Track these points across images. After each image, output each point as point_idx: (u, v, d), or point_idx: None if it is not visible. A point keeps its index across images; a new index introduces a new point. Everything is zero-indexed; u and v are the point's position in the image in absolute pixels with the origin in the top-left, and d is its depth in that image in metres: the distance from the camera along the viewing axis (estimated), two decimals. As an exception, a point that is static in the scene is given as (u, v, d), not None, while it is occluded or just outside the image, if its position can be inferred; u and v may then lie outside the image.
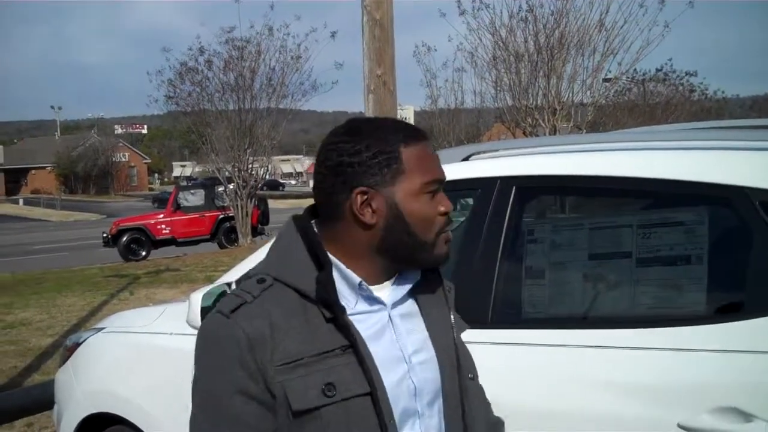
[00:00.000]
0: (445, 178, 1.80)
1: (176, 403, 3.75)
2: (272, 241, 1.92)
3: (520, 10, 18.07)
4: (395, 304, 1.82)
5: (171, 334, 3.91)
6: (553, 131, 17.89)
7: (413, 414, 1.77)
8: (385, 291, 1.82)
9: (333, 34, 23.74)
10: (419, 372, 1.79)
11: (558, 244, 3.03)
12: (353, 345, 1.66)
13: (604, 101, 21.24)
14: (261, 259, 1.84)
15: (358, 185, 1.73)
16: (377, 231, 1.75)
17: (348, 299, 1.74)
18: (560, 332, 2.73)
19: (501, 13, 18.26)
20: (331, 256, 1.75)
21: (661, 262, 2.72)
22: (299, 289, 1.70)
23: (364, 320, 1.74)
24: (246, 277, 1.78)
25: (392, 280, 1.84)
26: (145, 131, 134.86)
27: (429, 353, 1.83)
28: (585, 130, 18.82)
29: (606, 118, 27.27)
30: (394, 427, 1.68)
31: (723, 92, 40.41)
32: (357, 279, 1.75)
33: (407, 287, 1.84)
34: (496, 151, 3.32)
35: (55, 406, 4.66)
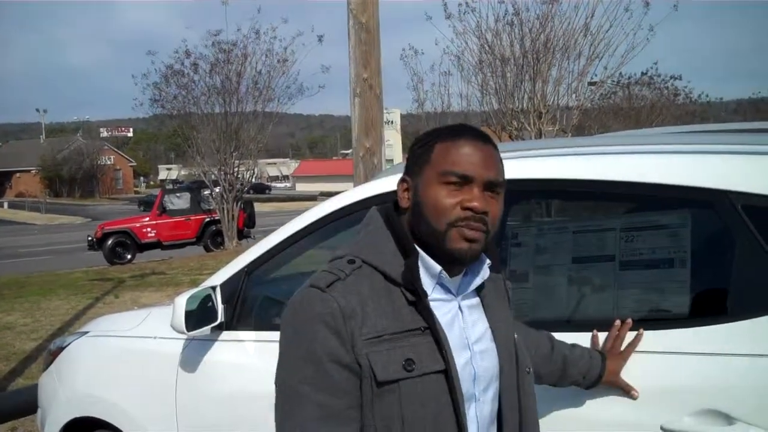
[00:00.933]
0: (477, 176, 1.89)
1: (160, 406, 3.76)
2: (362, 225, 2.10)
3: (506, 14, 18.07)
4: (464, 297, 2.02)
5: (155, 337, 3.91)
6: (539, 135, 17.91)
7: (471, 398, 1.95)
8: (455, 283, 2.01)
9: (320, 38, 23.76)
10: (479, 360, 1.97)
11: (542, 248, 3.04)
12: (431, 327, 1.87)
13: (589, 105, 21.29)
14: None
15: (404, 174, 2.03)
16: (409, 216, 1.99)
17: (427, 286, 1.93)
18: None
19: (487, 17, 18.26)
20: (416, 246, 1.95)
21: (644, 265, 2.72)
22: (386, 273, 1.92)
23: (439, 307, 1.94)
24: (337, 257, 1.99)
25: (461, 275, 2.02)
26: (130, 134, 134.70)
27: (489, 344, 2.02)
28: (570, 134, 18.86)
29: (591, 122, 27.37)
30: (463, 405, 1.88)
31: (707, 95, 40.64)
32: (438, 268, 1.94)
33: (477, 282, 2.02)
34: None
35: (39, 410, 4.64)
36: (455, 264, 1.95)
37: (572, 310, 2.91)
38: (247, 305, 3.58)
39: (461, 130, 1.98)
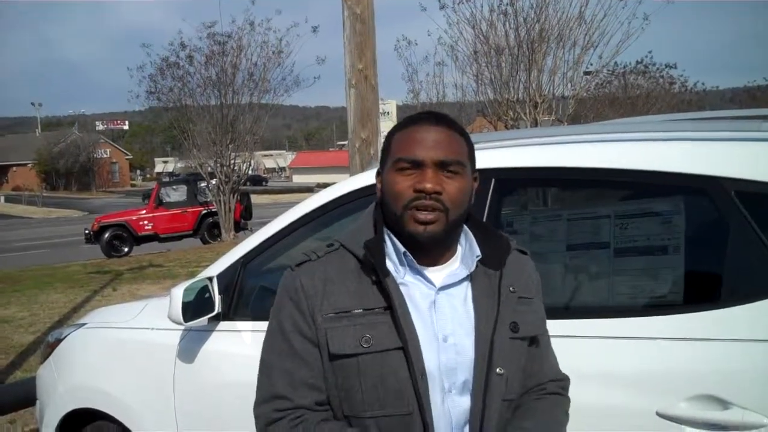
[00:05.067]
0: (426, 158, 1.97)
1: (158, 396, 3.77)
2: None
3: (500, 4, 18.05)
4: (446, 287, 2.04)
5: (152, 329, 3.92)
6: (535, 124, 17.90)
7: (440, 389, 1.98)
8: (441, 273, 2.06)
9: (314, 29, 23.73)
10: (450, 352, 2.00)
11: (537, 236, 3.06)
12: (391, 306, 1.96)
13: (585, 94, 21.27)
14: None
15: (378, 167, 2.15)
16: (383, 205, 2.09)
17: (398, 268, 2.04)
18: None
19: (481, 6, 18.25)
20: (385, 228, 2.08)
21: (638, 252, 2.74)
22: (356, 254, 2.05)
23: (413, 291, 2.02)
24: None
25: (450, 268, 2.07)
26: (126, 127, 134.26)
27: (465, 339, 2.02)
28: (566, 123, 18.86)
29: (587, 111, 27.36)
30: (424, 383, 1.94)
31: (703, 84, 40.60)
32: (402, 248, 2.03)
33: (461, 275, 2.06)
34: (476, 143, 3.34)
35: (38, 403, 4.65)
36: (419, 248, 2.01)
37: (567, 297, 2.93)
38: (243, 295, 3.59)
39: (416, 118, 2.08)
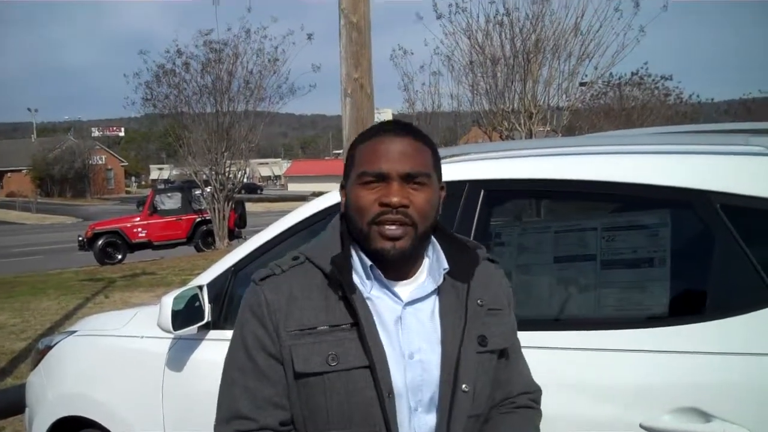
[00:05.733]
0: (391, 171, 1.91)
1: (147, 405, 3.77)
2: None
3: (496, 14, 18.14)
4: (413, 302, 1.99)
5: (142, 337, 3.92)
6: (530, 135, 17.97)
7: (406, 407, 1.93)
8: (408, 287, 2.01)
9: (309, 36, 23.81)
10: (416, 369, 1.94)
11: (525, 247, 3.07)
12: (357, 323, 1.90)
13: (580, 105, 21.34)
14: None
15: (342, 179, 2.08)
16: (347, 219, 2.02)
17: (364, 282, 1.97)
18: (525, 334, 2.75)
19: (478, 17, 18.34)
20: (353, 242, 2.01)
21: (625, 264, 2.76)
22: (322, 269, 1.97)
23: (380, 306, 1.96)
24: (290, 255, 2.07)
25: (417, 281, 2.02)
26: (122, 134, 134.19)
27: (431, 355, 1.96)
28: (561, 134, 18.92)
29: (582, 122, 27.43)
30: (392, 402, 1.89)
31: (698, 96, 40.71)
32: (368, 262, 1.96)
33: (429, 289, 2.00)
34: (466, 154, 3.36)
35: (27, 410, 4.64)
36: (388, 263, 1.95)
37: (554, 309, 2.94)
38: (234, 304, 3.57)
39: (378, 128, 2.03)
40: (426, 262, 2.06)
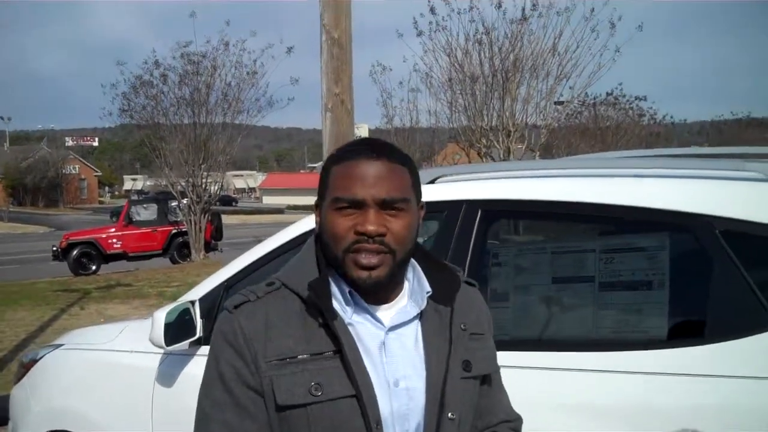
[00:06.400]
0: (368, 197, 1.80)
1: (136, 420, 3.75)
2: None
3: (476, 33, 18.24)
4: (395, 327, 1.88)
5: (132, 351, 3.90)
6: (507, 153, 18.06)
7: None
8: (389, 312, 1.90)
9: (289, 50, 23.78)
10: (402, 397, 1.84)
11: (522, 268, 3.10)
12: (341, 350, 1.78)
13: (556, 125, 21.47)
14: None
15: (317, 199, 1.95)
16: (322, 242, 1.90)
17: (344, 308, 1.85)
18: (523, 354, 2.78)
19: (457, 35, 18.42)
20: (329, 267, 1.88)
21: (623, 286, 2.80)
22: (299, 294, 1.85)
23: (363, 332, 1.85)
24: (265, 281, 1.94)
25: (398, 305, 1.92)
26: (96, 144, 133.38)
27: (417, 382, 1.87)
28: (539, 152, 19.05)
29: (559, 141, 27.59)
30: (380, 431, 1.77)
31: (671, 117, 41.08)
32: (346, 288, 1.85)
33: (412, 314, 1.90)
34: (463, 174, 3.39)
35: (10, 423, 4.60)
36: (364, 292, 1.85)
37: (551, 330, 2.96)
38: (225, 320, 3.57)
39: (352, 150, 1.89)
40: (407, 285, 1.97)
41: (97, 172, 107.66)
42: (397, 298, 1.93)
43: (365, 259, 1.79)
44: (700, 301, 2.65)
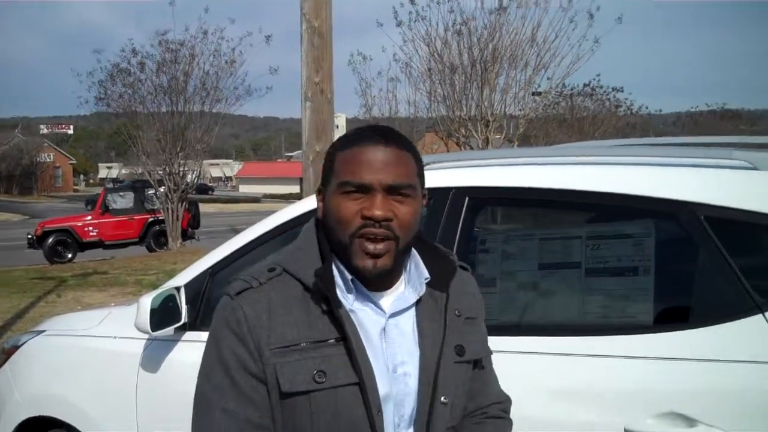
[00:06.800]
0: (375, 182, 1.82)
1: (120, 405, 3.75)
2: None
3: (454, 23, 18.27)
4: (395, 314, 1.92)
5: (115, 337, 3.90)
6: (486, 142, 18.12)
7: (391, 424, 1.87)
8: (389, 299, 1.93)
9: (267, 38, 23.69)
10: (400, 383, 1.89)
11: (509, 254, 3.12)
12: (345, 337, 1.80)
13: (533, 115, 21.54)
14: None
15: (320, 184, 1.96)
16: (326, 227, 1.91)
17: (345, 295, 1.88)
18: (510, 339, 2.80)
19: (437, 25, 18.44)
20: (332, 254, 1.89)
21: (609, 272, 2.82)
22: (302, 281, 1.86)
23: (364, 320, 1.88)
24: (262, 265, 1.94)
25: (397, 291, 1.95)
26: (71, 132, 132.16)
27: (414, 368, 1.91)
28: (517, 142, 19.11)
29: (537, 131, 27.69)
30: (380, 419, 1.81)
31: (647, 108, 41.36)
32: (349, 276, 1.87)
33: (411, 300, 1.94)
34: (450, 161, 3.40)
35: (-8, 409, 4.58)
36: (366, 280, 1.88)
37: (538, 315, 2.99)
38: (210, 306, 3.56)
39: (360, 135, 1.91)
40: (403, 271, 2.00)
41: (71, 160, 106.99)
42: (396, 285, 1.96)
43: (372, 246, 1.81)
44: (685, 287, 2.69)
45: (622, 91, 33.92)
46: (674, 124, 62.64)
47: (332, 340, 1.81)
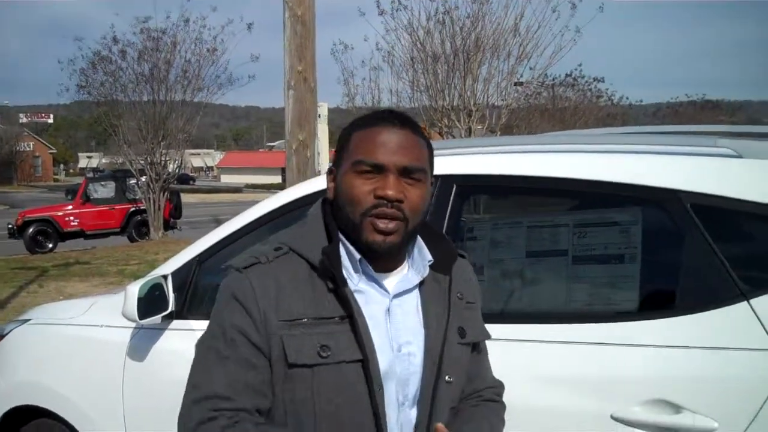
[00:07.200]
0: (389, 163, 1.87)
1: (106, 394, 3.74)
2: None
3: (437, 12, 18.25)
4: (399, 295, 1.97)
5: (102, 326, 3.89)
6: (469, 132, 18.14)
7: (394, 402, 1.92)
8: (393, 280, 1.98)
9: (249, 26, 23.60)
10: (405, 362, 1.94)
11: (497, 242, 3.13)
12: (350, 316, 1.86)
13: (516, 105, 21.57)
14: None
15: (331, 164, 2.02)
16: (336, 207, 1.97)
17: (352, 275, 1.93)
18: (497, 327, 2.81)
19: (419, 14, 18.41)
20: (340, 234, 1.95)
21: (596, 260, 2.84)
22: (309, 260, 1.92)
23: (368, 299, 1.93)
24: (266, 243, 2.01)
25: (401, 273, 2.01)
26: (51, 121, 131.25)
27: (419, 347, 1.96)
28: (500, 132, 19.14)
29: (519, 121, 27.73)
30: (381, 396, 1.86)
31: (627, 99, 41.57)
32: (357, 255, 1.92)
33: (414, 282, 2.00)
34: (437, 150, 3.40)
35: (-23, 399, 4.55)
36: (375, 256, 1.93)
37: (526, 303, 3.01)
38: (198, 294, 3.58)
39: (377, 117, 1.97)
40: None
41: (51, 149, 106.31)
42: (400, 267, 2.01)
43: (382, 224, 1.86)
44: (671, 275, 2.72)
45: (604, 82, 34.06)
46: (654, 115, 62.95)
47: (337, 318, 1.87)
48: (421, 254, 2.02)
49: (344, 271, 1.91)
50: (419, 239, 2.04)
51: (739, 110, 63.23)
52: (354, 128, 1.98)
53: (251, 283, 1.88)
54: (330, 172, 2.03)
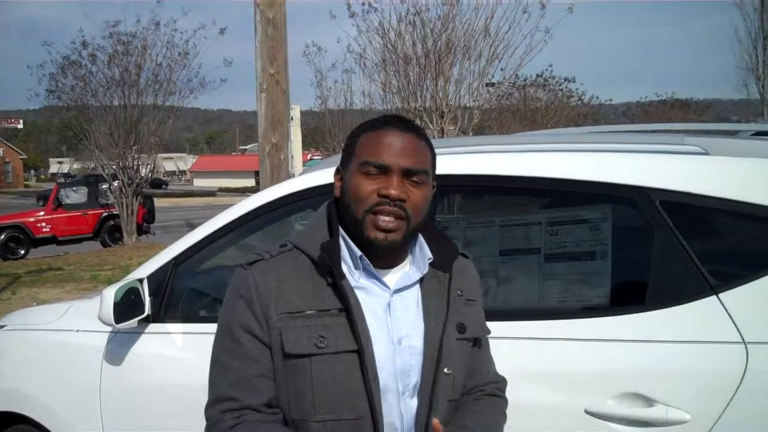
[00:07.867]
0: (393, 164, 1.98)
1: (83, 398, 3.73)
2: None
3: (408, 14, 18.27)
4: (399, 290, 2.07)
5: (78, 331, 3.87)
6: (441, 133, 18.17)
7: (394, 392, 2.01)
8: (394, 276, 2.09)
9: (222, 31, 23.53)
10: (405, 354, 2.02)
11: (470, 241, 3.17)
12: (347, 308, 1.96)
13: (488, 106, 21.64)
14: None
15: (339, 165, 2.14)
16: (341, 205, 2.08)
17: (353, 271, 2.05)
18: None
19: (390, 16, 18.43)
20: (342, 230, 2.07)
21: (568, 257, 2.89)
22: (309, 255, 2.04)
23: (368, 294, 2.03)
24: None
25: (403, 269, 2.11)
26: (20, 126, 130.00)
27: (418, 341, 2.04)
28: (471, 133, 19.19)
29: (491, 122, 27.84)
30: (377, 386, 1.95)
31: (598, 98, 41.85)
32: (358, 252, 2.03)
33: (415, 278, 2.10)
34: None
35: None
36: (377, 253, 2.02)
37: (499, 300, 3.05)
38: (174, 297, 3.58)
39: (385, 121, 2.08)
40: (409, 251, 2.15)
41: (22, 155, 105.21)
42: (401, 264, 2.12)
43: (384, 221, 1.97)
44: (641, 271, 2.76)
45: (574, 82, 34.29)
46: (624, 114, 63.44)
47: (335, 311, 1.97)
48: (422, 251, 2.12)
49: (345, 267, 2.03)
50: (421, 238, 2.14)
51: (708, 109, 63.71)
52: (361, 131, 2.10)
53: (254, 280, 2.02)
54: (337, 172, 2.14)
